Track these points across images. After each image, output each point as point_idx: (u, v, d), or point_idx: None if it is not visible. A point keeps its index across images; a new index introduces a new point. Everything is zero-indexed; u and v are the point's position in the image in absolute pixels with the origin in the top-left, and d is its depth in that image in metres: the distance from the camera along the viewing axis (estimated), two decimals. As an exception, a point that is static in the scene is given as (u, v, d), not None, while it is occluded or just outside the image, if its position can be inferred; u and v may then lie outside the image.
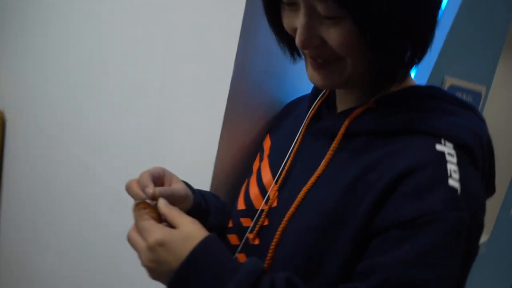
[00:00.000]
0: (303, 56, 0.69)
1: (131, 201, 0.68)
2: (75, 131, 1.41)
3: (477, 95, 1.42)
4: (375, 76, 0.63)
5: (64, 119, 1.48)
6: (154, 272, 0.60)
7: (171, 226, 0.62)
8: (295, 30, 0.61)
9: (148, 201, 0.66)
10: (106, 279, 1.30)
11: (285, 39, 0.70)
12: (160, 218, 0.64)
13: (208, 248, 0.58)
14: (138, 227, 0.62)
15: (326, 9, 0.56)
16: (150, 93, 1.08)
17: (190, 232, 0.59)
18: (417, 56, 0.62)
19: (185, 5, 0.96)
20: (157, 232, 0.58)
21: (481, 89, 1.43)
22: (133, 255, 0.62)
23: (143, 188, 0.67)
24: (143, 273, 0.62)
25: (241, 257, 0.76)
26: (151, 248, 0.58)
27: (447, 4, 1.15)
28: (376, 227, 0.58)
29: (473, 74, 1.38)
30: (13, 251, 1.89)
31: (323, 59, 0.63)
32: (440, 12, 0.62)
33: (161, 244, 0.57)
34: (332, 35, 0.58)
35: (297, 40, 0.60)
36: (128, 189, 0.69)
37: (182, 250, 0.57)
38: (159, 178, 0.72)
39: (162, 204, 0.64)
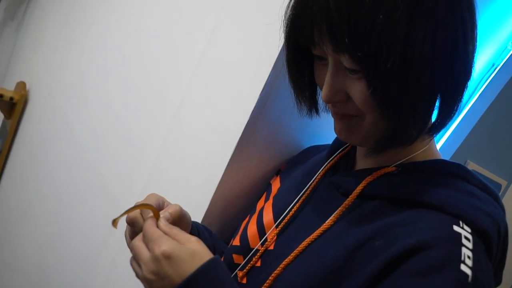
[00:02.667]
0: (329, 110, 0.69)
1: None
2: (85, 124, 1.43)
3: (496, 187, 1.38)
4: (389, 136, 0.60)
5: (81, 109, 1.49)
6: (152, 285, 0.55)
7: None
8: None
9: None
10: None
11: (305, 94, 0.69)
12: None
13: (215, 268, 0.55)
14: (145, 236, 0.58)
15: (347, 62, 0.55)
16: (169, 103, 1.06)
17: (197, 249, 0.56)
18: (438, 123, 0.60)
19: (224, 29, 0.95)
20: (165, 244, 0.55)
21: (502, 182, 1.40)
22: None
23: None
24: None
25: None
26: (156, 260, 0.54)
27: (486, 87, 1.14)
28: None
29: (496, 165, 1.35)
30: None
31: (345, 114, 0.62)
32: (471, 80, 0.59)
33: (168, 257, 0.54)
34: (355, 90, 0.58)
35: (322, 93, 0.60)
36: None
37: (187, 266, 0.54)
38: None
39: (162, 223, 0.60)
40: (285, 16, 0.61)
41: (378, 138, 0.62)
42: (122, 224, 0.63)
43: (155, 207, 0.62)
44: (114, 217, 0.62)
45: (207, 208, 0.87)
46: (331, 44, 0.55)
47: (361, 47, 0.52)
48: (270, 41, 0.80)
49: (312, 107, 0.71)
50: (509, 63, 1.14)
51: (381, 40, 0.51)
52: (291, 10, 0.60)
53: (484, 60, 1.17)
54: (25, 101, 2.04)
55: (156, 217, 0.61)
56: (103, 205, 1.22)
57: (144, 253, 0.56)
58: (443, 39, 0.53)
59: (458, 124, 1.15)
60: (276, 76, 0.81)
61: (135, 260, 0.58)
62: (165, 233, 0.58)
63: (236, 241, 0.79)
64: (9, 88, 2.14)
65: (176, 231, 0.59)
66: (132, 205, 0.62)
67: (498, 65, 1.18)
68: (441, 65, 0.54)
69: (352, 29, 0.52)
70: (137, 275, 0.58)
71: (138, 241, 0.59)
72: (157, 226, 0.60)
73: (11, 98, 2.00)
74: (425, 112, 0.58)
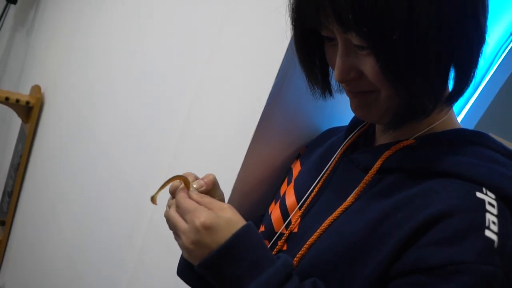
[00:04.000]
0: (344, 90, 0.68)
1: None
2: (105, 120, 1.43)
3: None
4: (404, 110, 0.60)
5: (98, 107, 1.50)
6: (192, 254, 0.59)
7: None
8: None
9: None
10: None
11: (317, 77, 0.69)
12: None
13: (249, 233, 0.59)
14: (180, 207, 0.61)
15: (355, 39, 0.55)
16: (184, 94, 1.06)
17: (232, 217, 0.60)
18: (454, 92, 0.60)
19: (235, 16, 0.94)
20: (203, 215, 0.58)
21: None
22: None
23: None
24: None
25: None
26: (197, 230, 0.58)
27: (504, 58, 1.11)
28: (399, 269, 0.54)
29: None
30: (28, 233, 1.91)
31: (359, 90, 0.62)
32: (485, 45, 0.57)
33: (208, 227, 0.57)
34: (366, 67, 0.57)
35: (335, 73, 0.60)
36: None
37: (225, 234, 0.58)
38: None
39: (193, 193, 0.64)
40: (289, 0, 0.62)
41: (394, 113, 0.61)
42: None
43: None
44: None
45: (228, 197, 0.87)
46: (337, 23, 0.55)
47: (366, 22, 0.52)
48: (282, 25, 0.79)
49: (325, 89, 0.71)
50: (527, 31, 1.11)
51: (384, 13, 0.51)
52: None
53: (502, 29, 1.14)
54: (41, 104, 2.06)
55: (188, 187, 0.64)
56: (125, 202, 1.23)
57: (182, 224, 0.60)
58: (449, 5, 0.52)
59: (477, 97, 1.13)
60: (290, 60, 0.81)
61: (174, 231, 0.63)
62: (198, 203, 0.61)
63: (262, 227, 0.80)
64: (24, 92, 2.17)
65: (207, 199, 0.63)
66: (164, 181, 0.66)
67: (516, 34, 1.15)
68: (450, 33, 0.53)
69: (355, 5, 0.51)
70: (176, 237, 0.63)
71: (173, 211, 0.63)
72: (189, 197, 0.63)
73: (27, 102, 2.03)
74: (438, 83, 0.57)
